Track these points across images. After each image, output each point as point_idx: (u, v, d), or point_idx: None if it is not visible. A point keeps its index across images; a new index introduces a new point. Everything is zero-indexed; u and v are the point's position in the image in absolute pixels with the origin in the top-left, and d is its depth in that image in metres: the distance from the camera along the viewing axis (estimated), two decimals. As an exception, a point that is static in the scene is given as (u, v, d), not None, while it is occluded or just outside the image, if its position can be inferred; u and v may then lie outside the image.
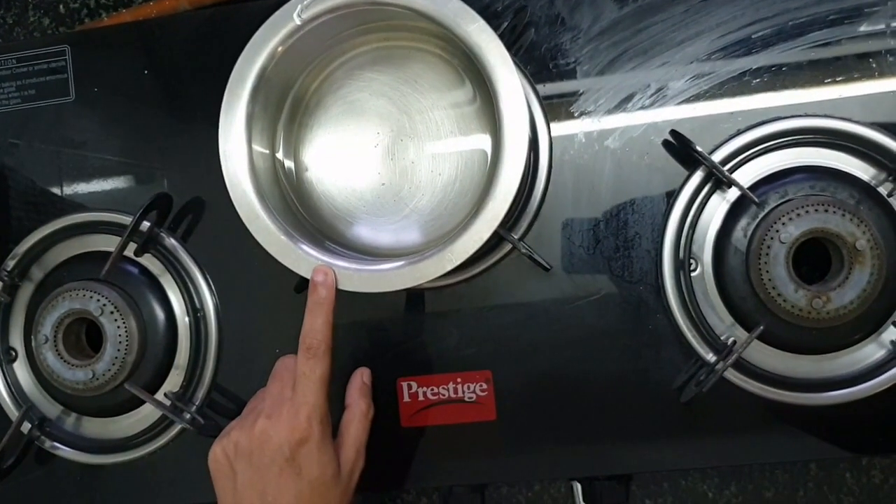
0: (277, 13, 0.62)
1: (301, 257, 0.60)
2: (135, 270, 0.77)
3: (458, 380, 0.73)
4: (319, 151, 0.68)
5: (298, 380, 0.61)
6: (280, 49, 0.61)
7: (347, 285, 0.59)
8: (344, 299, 0.74)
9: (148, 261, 0.77)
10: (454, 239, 0.58)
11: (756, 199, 0.67)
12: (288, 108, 0.67)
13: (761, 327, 0.67)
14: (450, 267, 0.58)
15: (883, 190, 0.68)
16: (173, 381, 0.76)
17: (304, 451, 0.60)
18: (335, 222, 0.67)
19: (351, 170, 0.67)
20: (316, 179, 0.68)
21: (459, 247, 0.58)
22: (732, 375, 0.68)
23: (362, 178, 0.67)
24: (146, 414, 0.77)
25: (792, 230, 0.65)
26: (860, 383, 0.68)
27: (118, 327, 0.73)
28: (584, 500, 0.74)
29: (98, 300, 0.73)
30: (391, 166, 0.67)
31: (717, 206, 0.70)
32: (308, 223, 0.66)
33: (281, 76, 0.64)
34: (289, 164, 0.68)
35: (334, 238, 0.66)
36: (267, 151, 0.64)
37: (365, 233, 0.67)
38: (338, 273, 0.59)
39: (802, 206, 0.65)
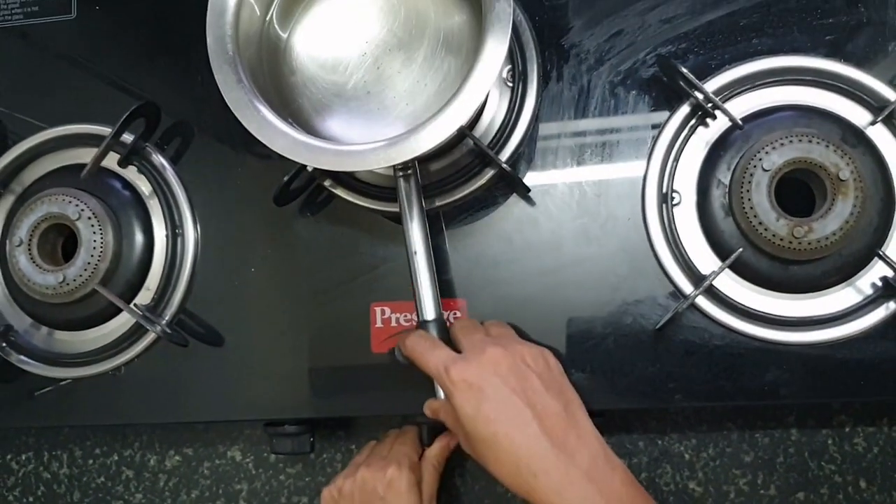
0: None
1: (264, 119, 0.59)
2: (118, 184, 0.76)
3: (432, 307, 0.71)
4: (308, 48, 0.68)
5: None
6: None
7: (322, 163, 0.59)
8: (321, 216, 0.74)
9: (135, 178, 0.77)
10: (428, 123, 0.58)
11: (741, 123, 0.67)
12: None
13: (740, 250, 0.65)
14: (424, 148, 0.57)
15: (868, 129, 0.68)
16: (143, 299, 0.75)
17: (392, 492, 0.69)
18: (314, 124, 0.67)
19: (337, 74, 0.67)
20: (301, 83, 0.68)
21: (431, 131, 0.57)
22: (711, 308, 0.67)
23: (348, 82, 0.67)
24: (114, 328, 0.76)
25: (775, 158, 0.65)
26: (836, 325, 0.67)
27: (94, 233, 0.72)
28: None
29: (77, 205, 0.73)
30: (377, 74, 0.67)
31: (701, 142, 0.70)
32: (277, 104, 0.65)
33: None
34: (280, 35, 0.67)
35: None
36: (258, 13, 0.64)
37: (344, 136, 0.67)
38: (314, 150, 0.59)
39: (787, 137, 0.65)
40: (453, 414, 0.59)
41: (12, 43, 0.81)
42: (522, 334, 0.69)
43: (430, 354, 0.60)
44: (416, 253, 0.64)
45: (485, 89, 0.57)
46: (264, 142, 0.59)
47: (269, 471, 0.82)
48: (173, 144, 0.77)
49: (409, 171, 0.66)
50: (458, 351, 0.61)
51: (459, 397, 0.57)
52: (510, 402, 0.57)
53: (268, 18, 0.66)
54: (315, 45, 0.68)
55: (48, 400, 0.76)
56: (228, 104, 0.59)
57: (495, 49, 0.58)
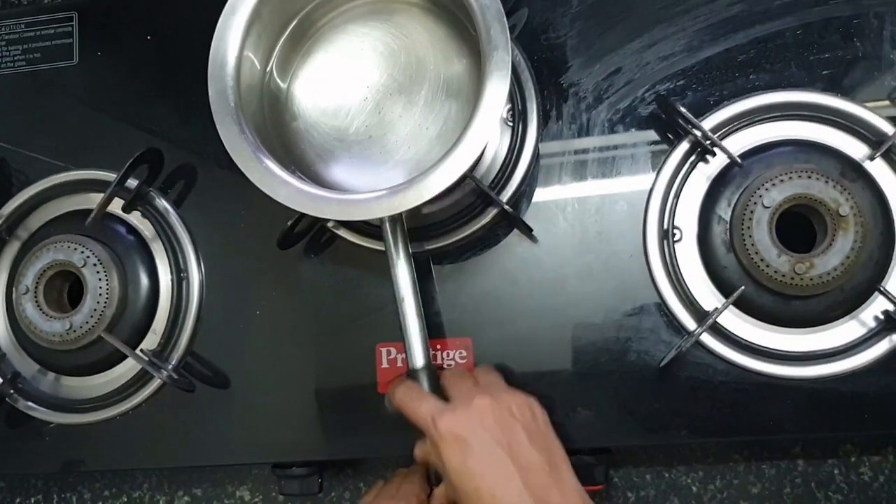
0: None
1: (267, 170, 0.60)
2: (122, 229, 0.77)
3: (438, 347, 0.72)
4: (309, 95, 0.68)
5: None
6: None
7: (327, 213, 0.59)
8: (325, 257, 0.74)
9: (139, 222, 0.78)
10: (432, 170, 0.58)
11: (740, 162, 0.67)
12: (291, 32, 0.68)
13: (742, 287, 0.66)
14: (428, 196, 0.58)
15: (867, 164, 0.68)
16: (149, 343, 0.76)
17: None
18: (317, 169, 0.68)
19: (339, 119, 0.68)
20: (304, 129, 0.68)
21: (434, 179, 0.58)
22: (714, 344, 0.68)
23: (350, 127, 0.68)
24: (122, 372, 0.76)
25: (775, 195, 0.65)
26: (839, 359, 0.67)
27: (100, 280, 0.73)
28: None
29: (82, 252, 0.73)
30: (378, 118, 0.67)
31: (701, 178, 0.70)
32: (280, 151, 0.66)
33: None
34: (280, 85, 0.68)
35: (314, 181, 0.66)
36: (258, 66, 0.65)
37: (347, 181, 0.67)
38: (318, 200, 0.59)
39: (786, 173, 0.66)
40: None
41: (15, 89, 0.81)
42: (514, 378, 0.70)
43: (418, 406, 0.61)
44: (402, 300, 0.64)
45: (486, 137, 0.58)
46: (267, 192, 0.60)
47: (277, 510, 0.83)
48: (176, 188, 0.78)
49: (395, 215, 0.66)
50: (447, 399, 0.62)
51: (446, 450, 0.58)
52: (495, 456, 0.57)
53: (268, 70, 0.67)
54: (316, 91, 0.69)
55: (56, 446, 0.76)
56: (231, 156, 0.60)
57: (495, 96, 0.58)
